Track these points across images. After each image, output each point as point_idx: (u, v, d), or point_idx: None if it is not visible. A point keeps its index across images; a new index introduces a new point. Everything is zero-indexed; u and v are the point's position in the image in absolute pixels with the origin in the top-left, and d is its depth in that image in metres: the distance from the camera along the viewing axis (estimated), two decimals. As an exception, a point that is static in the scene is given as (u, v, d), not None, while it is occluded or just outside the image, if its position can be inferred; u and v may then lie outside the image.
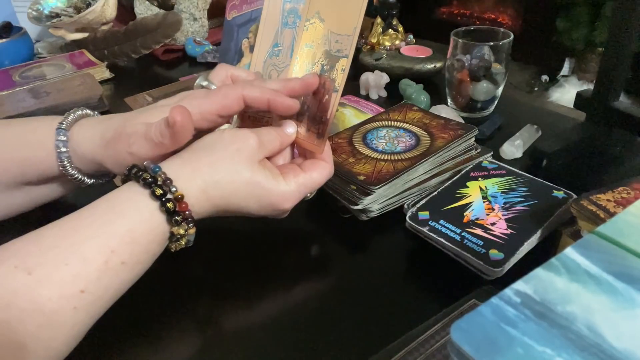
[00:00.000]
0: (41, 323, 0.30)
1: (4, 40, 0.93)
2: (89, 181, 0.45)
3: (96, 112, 0.46)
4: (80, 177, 0.44)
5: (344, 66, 0.42)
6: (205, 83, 0.44)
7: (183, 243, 0.38)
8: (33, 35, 1.05)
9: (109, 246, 0.33)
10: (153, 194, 0.35)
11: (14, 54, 0.93)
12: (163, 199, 0.35)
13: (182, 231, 0.36)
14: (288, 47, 0.46)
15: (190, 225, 0.37)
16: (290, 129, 0.44)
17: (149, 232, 0.35)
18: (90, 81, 0.80)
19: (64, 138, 0.42)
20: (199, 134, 0.41)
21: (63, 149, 0.43)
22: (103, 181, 0.47)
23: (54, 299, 0.31)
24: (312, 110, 0.43)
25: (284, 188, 0.40)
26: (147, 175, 0.36)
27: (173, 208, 0.35)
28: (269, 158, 0.42)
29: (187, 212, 0.36)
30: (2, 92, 0.79)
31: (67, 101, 0.73)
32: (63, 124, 0.43)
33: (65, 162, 0.43)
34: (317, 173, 0.42)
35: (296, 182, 0.41)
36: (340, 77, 0.42)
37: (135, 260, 0.35)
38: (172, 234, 0.36)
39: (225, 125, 0.48)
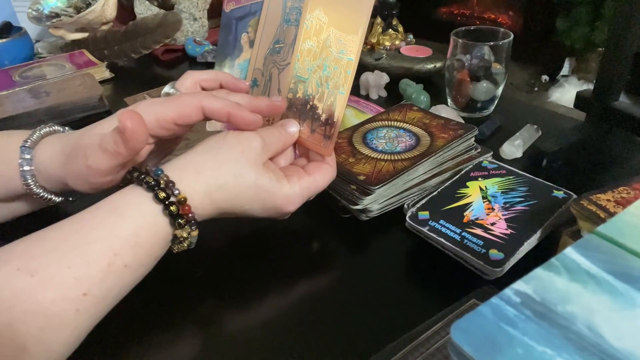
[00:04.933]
0: (43, 325, 0.30)
1: (4, 40, 0.93)
2: (57, 199, 0.44)
3: (67, 128, 0.45)
4: (46, 195, 0.43)
5: (349, 68, 0.41)
6: (171, 91, 0.43)
7: (186, 245, 0.38)
8: (33, 35, 1.05)
9: (112, 249, 0.33)
10: (156, 197, 0.35)
11: (14, 54, 0.93)
12: (166, 202, 0.35)
13: (185, 234, 0.36)
14: (290, 45, 0.45)
15: (193, 227, 0.37)
16: (293, 128, 0.43)
17: (152, 235, 0.35)
18: (90, 81, 0.80)
19: (27, 156, 0.41)
20: (162, 143, 0.41)
21: (26, 168, 0.41)
22: (73, 199, 0.45)
23: (57, 301, 0.31)
24: (317, 111, 0.43)
25: (288, 191, 0.40)
26: (149, 179, 0.35)
27: (176, 211, 0.35)
28: (271, 158, 0.42)
29: (190, 215, 0.36)
30: (2, 92, 0.79)
31: (67, 101, 0.73)
32: (28, 141, 0.41)
33: (30, 181, 0.42)
34: (320, 176, 0.42)
35: (300, 185, 0.41)
36: (344, 79, 0.41)
37: (138, 263, 0.35)
38: (175, 237, 0.36)
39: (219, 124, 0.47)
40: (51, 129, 0.43)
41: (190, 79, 0.44)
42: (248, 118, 0.39)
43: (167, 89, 0.43)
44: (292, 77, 0.45)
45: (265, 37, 0.48)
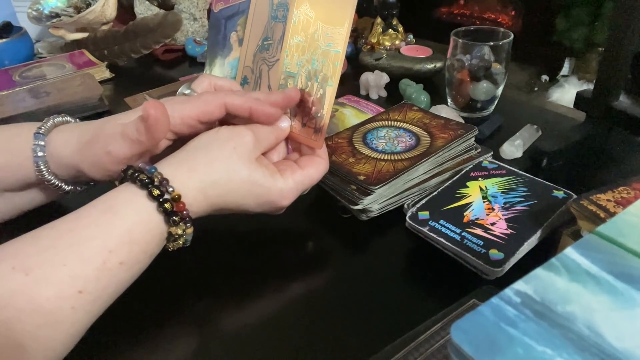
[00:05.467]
0: (39, 323, 0.30)
1: (4, 40, 0.93)
2: (67, 187, 0.44)
3: (77, 119, 0.46)
4: (57, 182, 0.43)
5: (337, 60, 0.41)
6: (187, 91, 0.44)
7: (181, 243, 0.38)
8: (33, 35, 1.05)
9: (107, 247, 0.33)
10: (150, 195, 0.35)
11: (14, 54, 0.93)
12: (160, 200, 0.35)
13: (179, 231, 0.36)
14: (278, 41, 0.46)
15: (188, 225, 0.37)
16: (284, 123, 0.44)
17: (147, 232, 0.35)
18: (90, 81, 0.80)
19: (41, 143, 0.42)
20: (180, 139, 0.41)
21: (40, 154, 0.42)
22: (82, 189, 0.46)
23: (52, 299, 0.31)
24: (307, 105, 0.43)
25: (282, 185, 0.40)
26: (143, 176, 0.35)
27: (170, 208, 0.35)
28: (264, 154, 0.43)
29: (184, 212, 0.36)
30: (2, 92, 0.79)
31: (67, 101, 0.74)
32: (42, 128, 0.42)
33: (42, 167, 0.42)
34: (313, 169, 0.42)
35: (293, 179, 0.41)
36: (332, 71, 0.42)
37: (133, 261, 0.35)
38: (170, 234, 0.36)
39: None
40: (64, 118, 0.44)
41: (208, 81, 0.45)
42: (269, 111, 0.41)
43: (183, 89, 0.44)
44: (282, 73, 0.45)
45: (254, 34, 0.48)
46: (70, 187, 0.45)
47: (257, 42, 0.48)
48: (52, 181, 0.43)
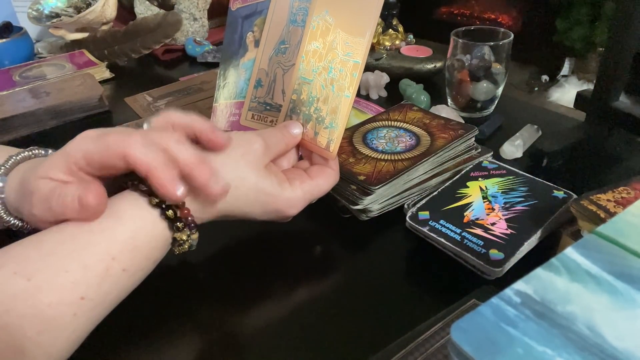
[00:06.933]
0: (40, 329, 0.30)
1: (4, 40, 0.93)
2: (30, 227, 0.39)
3: (49, 150, 0.41)
4: (18, 223, 0.39)
5: (355, 71, 0.41)
6: (145, 126, 0.39)
7: (186, 247, 0.37)
8: (33, 35, 1.05)
9: (110, 253, 0.33)
10: (150, 203, 0.34)
11: (14, 54, 0.93)
12: (163, 206, 0.34)
13: (184, 237, 0.36)
14: (295, 46, 0.45)
15: (193, 230, 0.36)
16: (296, 130, 0.43)
17: (151, 239, 0.35)
18: (90, 81, 0.80)
19: (0, 184, 0.38)
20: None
21: None
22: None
23: (54, 305, 0.30)
24: (321, 114, 0.43)
25: (290, 194, 0.40)
26: (142, 186, 0.35)
27: (174, 215, 0.35)
28: (273, 160, 0.42)
29: (189, 219, 0.35)
30: (2, 92, 0.79)
31: (67, 101, 0.73)
32: (1, 168, 0.38)
33: (0, 209, 0.38)
34: (323, 180, 0.42)
35: (302, 189, 0.40)
36: (350, 81, 0.41)
37: (136, 267, 0.34)
38: (174, 240, 0.36)
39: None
40: (31, 153, 0.40)
41: (165, 118, 0.39)
42: (165, 187, 0.33)
43: (145, 123, 0.39)
44: (297, 78, 0.45)
45: (271, 37, 0.47)
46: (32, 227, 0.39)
47: (274, 45, 0.47)
48: (13, 222, 0.39)
